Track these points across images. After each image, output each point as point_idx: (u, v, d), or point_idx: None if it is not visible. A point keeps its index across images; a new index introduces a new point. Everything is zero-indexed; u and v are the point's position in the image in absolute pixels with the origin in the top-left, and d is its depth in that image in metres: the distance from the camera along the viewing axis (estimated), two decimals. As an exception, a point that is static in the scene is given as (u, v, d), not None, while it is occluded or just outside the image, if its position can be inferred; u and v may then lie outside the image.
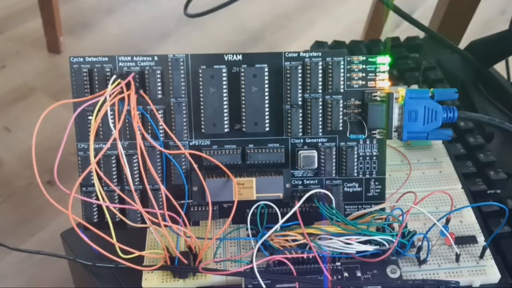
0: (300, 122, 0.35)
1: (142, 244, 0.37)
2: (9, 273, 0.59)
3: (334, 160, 0.36)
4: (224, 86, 0.34)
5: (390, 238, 0.33)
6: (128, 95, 0.32)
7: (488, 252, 0.35)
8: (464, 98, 0.52)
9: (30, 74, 0.94)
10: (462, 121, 0.47)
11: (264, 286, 0.31)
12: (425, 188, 0.39)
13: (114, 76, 0.33)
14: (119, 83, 0.32)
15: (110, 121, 0.32)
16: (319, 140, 0.36)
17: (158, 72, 0.34)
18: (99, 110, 0.32)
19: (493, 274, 0.34)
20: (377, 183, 0.36)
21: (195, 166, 0.34)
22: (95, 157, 0.31)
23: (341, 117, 0.35)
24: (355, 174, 0.36)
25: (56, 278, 0.59)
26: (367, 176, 0.36)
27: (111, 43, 1.01)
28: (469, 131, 0.46)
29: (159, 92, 0.34)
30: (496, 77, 0.55)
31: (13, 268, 0.60)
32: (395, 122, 0.34)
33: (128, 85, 0.33)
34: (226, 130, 0.35)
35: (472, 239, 0.36)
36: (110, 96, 0.32)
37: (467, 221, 0.37)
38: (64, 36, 0.98)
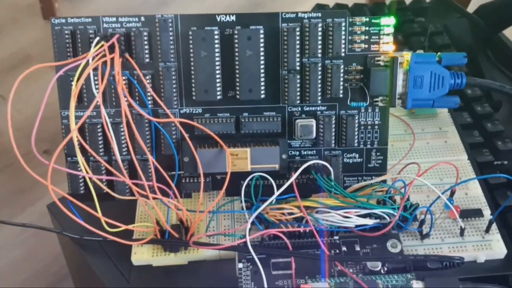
0: (298, 89, 0.33)
1: (134, 216, 0.35)
2: (7, 245, 0.59)
3: (333, 130, 0.34)
4: (217, 50, 0.32)
5: (391, 211, 0.31)
6: (112, 59, 0.30)
7: (494, 226, 0.33)
8: (472, 65, 0.49)
9: (25, 42, 0.92)
10: (470, 88, 0.44)
11: (257, 260, 0.30)
12: (429, 159, 0.37)
13: (98, 38, 0.31)
14: (102, 46, 0.30)
15: (94, 86, 0.30)
16: (318, 108, 0.34)
17: (145, 33, 0.32)
18: (80, 74, 0.29)
19: (499, 249, 0.33)
20: (378, 153, 0.34)
21: (186, 135, 0.32)
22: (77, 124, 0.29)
23: (341, 83, 0.33)
24: (356, 144, 0.34)
25: (54, 249, 0.58)
26: (368, 146, 0.34)
27: (108, 10, 0.98)
28: (476, 99, 0.44)
29: (147, 55, 0.32)
30: (505, 42, 0.52)
31: (10, 239, 0.59)
32: (399, 88, 0.32)
33: (112, 48, 0.30)
34: (219, 97, 0.33)
35: (477, 213, 0.34)
36: (93, 59, 0.30)
37: (473, 194, 0.35)
38: (59, 2, 0.95)
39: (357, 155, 0.34)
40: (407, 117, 0.40)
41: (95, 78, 0.31)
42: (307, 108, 0.34)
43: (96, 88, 0.31)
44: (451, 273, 0.31)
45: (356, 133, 0.34)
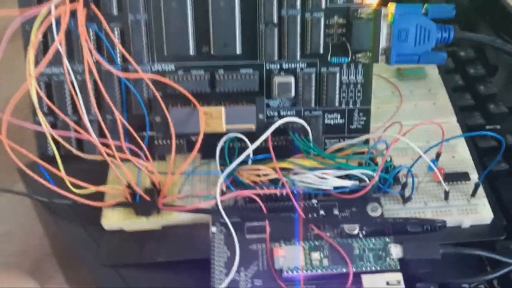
0: (276, 44, 0.31)
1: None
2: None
3: (313, 88, 0.32)
4: (188, 1, 0.30)
5: (370, 172, 0.29)
6: (76, 9, 0.28)
7: (481, 190, 0.32)
8: (468, 30, 0.47)
9: None
10: (463, 50, 0.42)
11: (229, 223, 0.28)
12: (416, 121, 0.35)
13: (61, -13, 0.29)
14: (65, -5, 0.28)
15: (56, 38, 0.28)
16: (298, 65, 0.32)
17: (113, -17, 0.30)
18: (40, 24, 0.28)
19: (485, 213, 0.31)
20: (361, 114, 0.33)
21: (157, 93, 0.31)
22: (43, 81, 0.28)
23: (322, 38, 0.31)
24: (337, 104, 0.32)
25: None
26: (351, 106, 0.33)
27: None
28: (470, 61, 0.42)
29: (115, 7, 0.30)
30: (505, 6, 0.50)
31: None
32: (383, 43, 0.30)
33: (75, -3, 0.28)
34: (192, 52, 0.31)
35: (464, 176, 0.32)
36: (55, 9, 0.28)
37: (460, 157, 0.34)
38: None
39: (338, 116, 0.33)
40: (396, 79, 0.39)
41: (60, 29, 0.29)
42: (286, 65, 0.32)
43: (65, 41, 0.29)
44: (433, 238, 0.29)
45: (338, 92, 0.32)
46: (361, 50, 0.31)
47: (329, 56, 0.31)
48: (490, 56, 0.44)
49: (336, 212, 0.31)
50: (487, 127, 0.38)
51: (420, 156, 0.30)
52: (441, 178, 0.30)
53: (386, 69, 0.38)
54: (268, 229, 0.29)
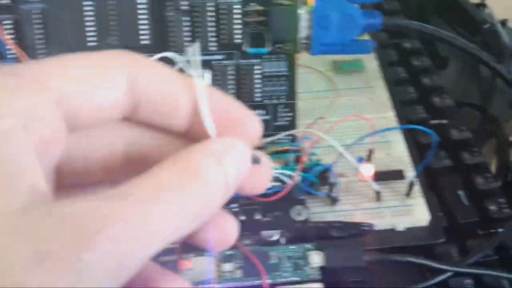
0: (187, 34, 0.28)
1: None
2: None
3: (232, 82, 0.29)
4: (86, -13, 0.27)
5: (289, 172, 0.27)
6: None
7: (417, 189, 0.29)
8: (421, 21, 0.45)
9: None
10: (408, 41, 0.40)
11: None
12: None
13: None
14: None
15: None
16: (213, 57, 0.29)
17: (0, -32, 0.27)
18: None
19: (422, 214, 0.29)
20: (287, 109, 0.30)
21: (54, 89, 0.28)
22: None
23: (239, 26, 0.28)
24: (259, 99, 0.30)
25: None
26: (274, 101, 0.30)
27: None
28: (415, 52, 0.39)
29: (5, -4, 0.27)
30: (460, 1, 0.48)
31: None
32: (303, 31, 0.28)
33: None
34: (92, 43, 0.28)
35: (398, 175, 0.30)
36: None
37: (396, 154, 0.31)
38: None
39: (262, 112, 0.30)
40: (332, 72, 0.36)
41: None
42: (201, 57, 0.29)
43: None
44: (361, 243, 0.27)
45: (260, 85, 0.29)
46: (282, 40, 0.28)
47: (247, 47, 0.28)
48: (441, 49, 0.42)
49: (258, 216, 0.28)
50: (432, 122, 0.36)
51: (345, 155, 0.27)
52: (367, 178, 0.28)
53: (322, 62, 0.36)
54: (179, 238, 0.26)
